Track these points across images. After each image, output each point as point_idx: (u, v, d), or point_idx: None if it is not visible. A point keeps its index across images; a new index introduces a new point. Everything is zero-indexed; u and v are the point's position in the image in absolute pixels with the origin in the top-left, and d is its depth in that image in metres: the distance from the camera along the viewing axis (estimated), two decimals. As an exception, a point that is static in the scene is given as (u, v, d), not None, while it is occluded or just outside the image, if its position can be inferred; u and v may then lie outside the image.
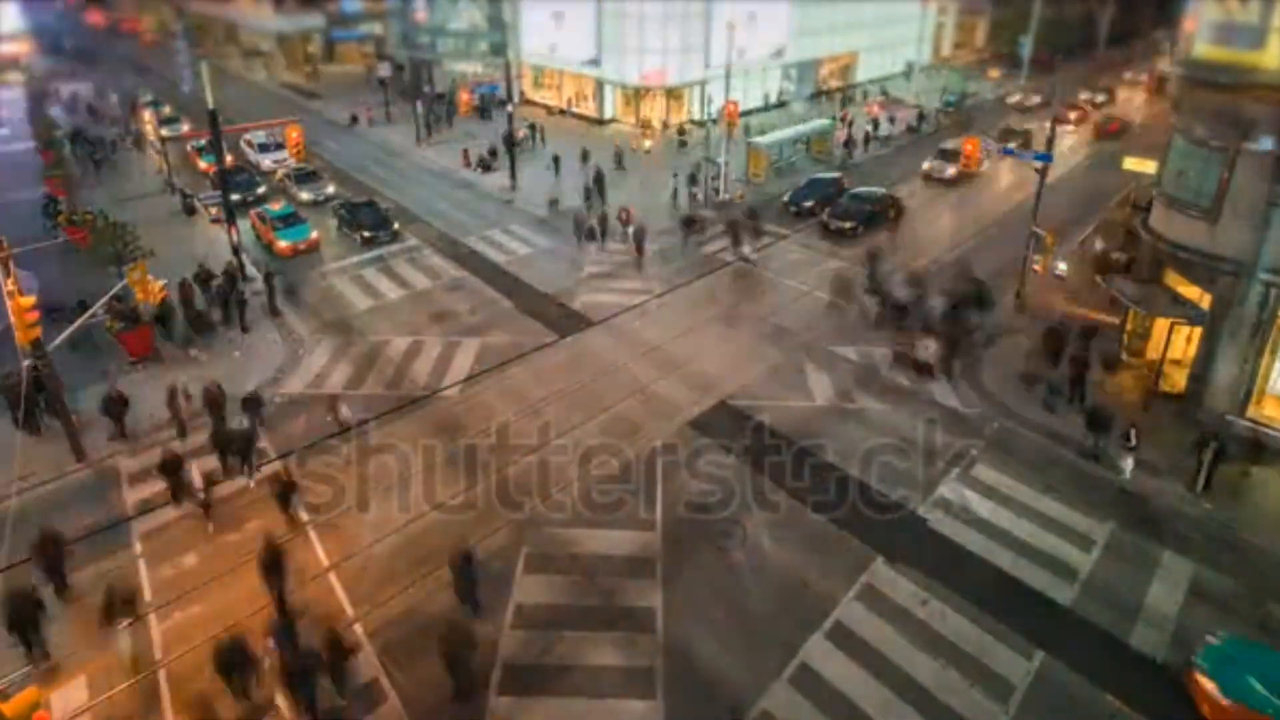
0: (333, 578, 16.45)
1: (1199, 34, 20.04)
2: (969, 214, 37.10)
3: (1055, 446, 20.40)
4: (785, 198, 36.99)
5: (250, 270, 29.98)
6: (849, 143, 45.75)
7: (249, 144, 44.75)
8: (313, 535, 17.54)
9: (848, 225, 33.75)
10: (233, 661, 13.35)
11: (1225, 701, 13.29)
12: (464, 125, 51.77)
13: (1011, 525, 17.78)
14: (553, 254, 32.49)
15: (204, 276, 27.44)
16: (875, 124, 49.04)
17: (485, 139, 46.73)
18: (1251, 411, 20.39)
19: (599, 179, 37.51)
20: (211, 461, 19.43)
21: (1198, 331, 21.09)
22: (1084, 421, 20.17)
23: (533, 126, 48.62)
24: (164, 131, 42.82)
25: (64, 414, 19.76)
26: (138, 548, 17.24)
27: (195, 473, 18.83)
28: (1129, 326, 23.87)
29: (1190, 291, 21.40)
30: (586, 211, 34.21)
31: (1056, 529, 17.69)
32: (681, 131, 48.13)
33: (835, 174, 38.94)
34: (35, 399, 20.31)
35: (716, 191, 37.91)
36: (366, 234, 33.37)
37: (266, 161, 43.17)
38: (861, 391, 22.76)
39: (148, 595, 16.01)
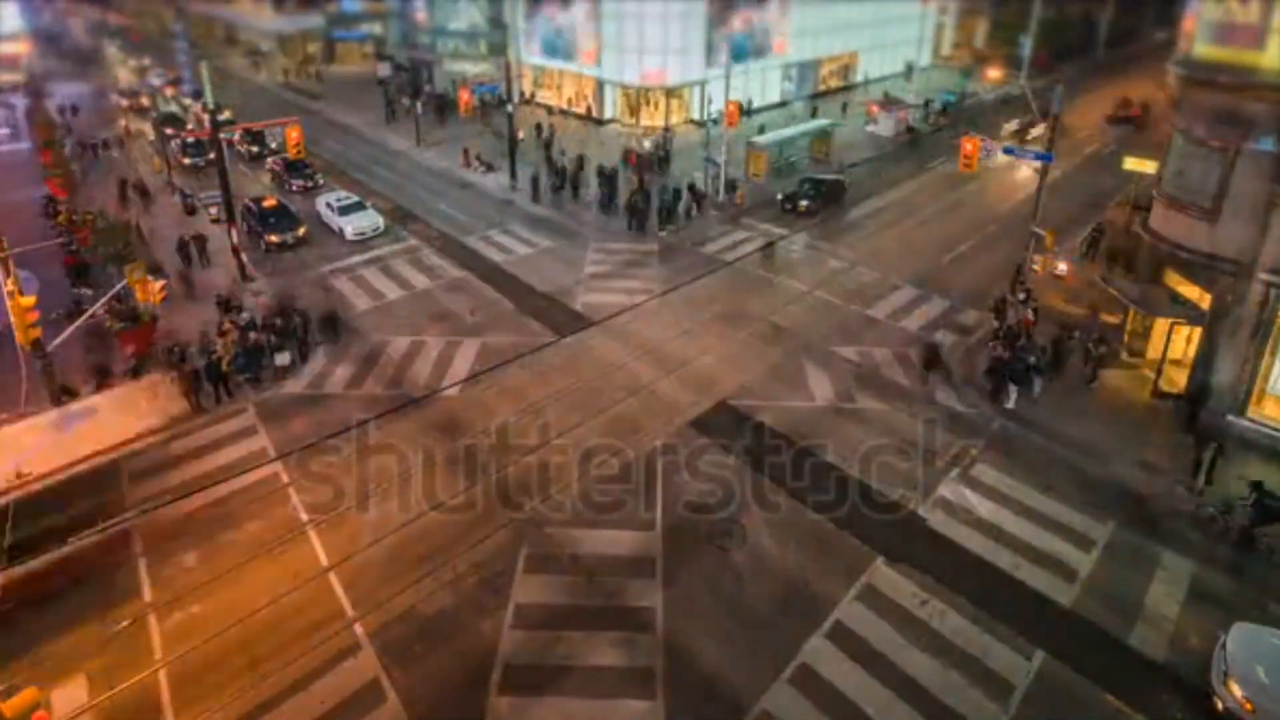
0: (332, 578, 16.44)
1: (1199, 34, 20.05)
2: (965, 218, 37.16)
3: (1055, 446, 20.40)
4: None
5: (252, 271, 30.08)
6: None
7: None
8: (313, 535, 17.54)
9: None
10: None
11: None
12: (471, 125, 51.50)
13: (1011, 525, 17.79)
14: (553, 254, 32.49)
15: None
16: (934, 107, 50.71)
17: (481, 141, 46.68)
18: (1251, 411, 20.40)
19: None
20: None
21: (1198, 331, 21.10)
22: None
23: (539, 128, 48.32)
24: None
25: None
26: (138, 548, 17.25)
27: None
28: (1129, 326, 23.89)
29: (1190, 291, 21.41)
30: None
31: (1056, 529, 17.69)
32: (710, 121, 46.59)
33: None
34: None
35: (717, 191, 37.90)
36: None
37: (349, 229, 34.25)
38: (861, 391, 22.77)
39: (147, 595, 16.03)
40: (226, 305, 25.91)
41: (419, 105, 50.07)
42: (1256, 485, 17.01)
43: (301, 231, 33.10)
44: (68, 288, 27.60)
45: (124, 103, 57.14)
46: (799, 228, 34.98)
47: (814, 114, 52.60)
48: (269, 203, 34.17)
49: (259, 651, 14.76)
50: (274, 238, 32.43)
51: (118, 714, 13.76)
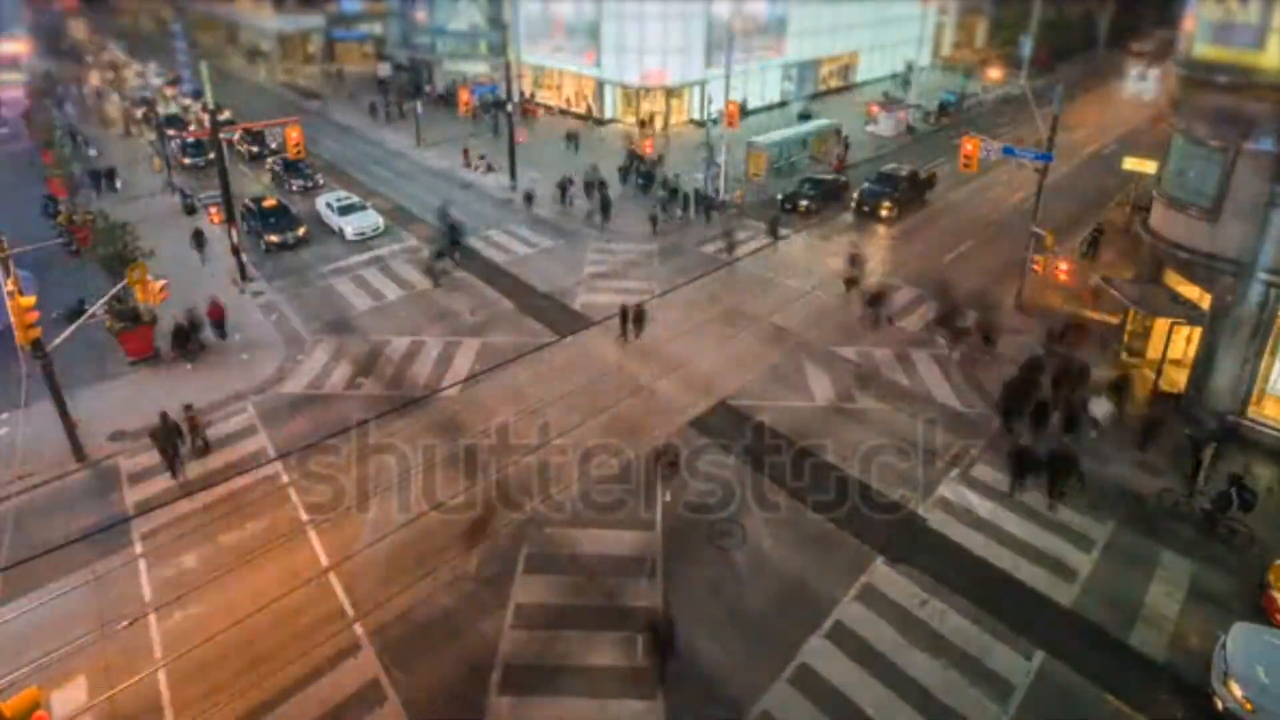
0: (332, 578, 16.43)
1: (1199, 34, 20.05)
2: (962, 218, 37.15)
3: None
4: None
5: (251, 272, 30.11)
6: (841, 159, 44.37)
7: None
8: (313, 535, 17.53)
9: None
10: None
11: None
12: (465, 124, 51.49)
13: (1012, 525, 17.78)
14: (552, 254, 32.48)
15: None
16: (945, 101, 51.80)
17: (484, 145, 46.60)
18: (1251, 411, 20.40)
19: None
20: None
21: (1198, 331, 21.10)
22: None
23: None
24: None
25: (64, 413, 19.74)
26: (138, 548, 17.24)
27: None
28: (1129, 326, 23.89)
29: (1190, 291, 21.41)
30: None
31: (1056, 529, 17.69)
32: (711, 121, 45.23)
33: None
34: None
35: (716, 192, 37.89)
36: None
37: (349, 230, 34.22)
38: (861, 391, 22.76)
39: (147, 595, 16.02)
40: None
41: (419, 105, 50.04)
42: (1237, 479, 17.34)
43: (301, 231, 33.13)
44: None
45: (138, 113, 52.72)
46: (801, 227, 35.01)
47: (806, 115, 52.18)
48: (269, 203, 34.21)
49: (259, 651, 14.75)
50: (274, 238, 32.47)
51: (118, 714, 13.76)
